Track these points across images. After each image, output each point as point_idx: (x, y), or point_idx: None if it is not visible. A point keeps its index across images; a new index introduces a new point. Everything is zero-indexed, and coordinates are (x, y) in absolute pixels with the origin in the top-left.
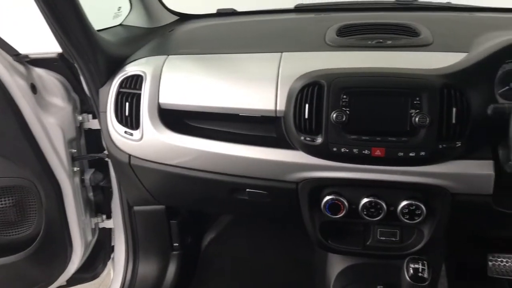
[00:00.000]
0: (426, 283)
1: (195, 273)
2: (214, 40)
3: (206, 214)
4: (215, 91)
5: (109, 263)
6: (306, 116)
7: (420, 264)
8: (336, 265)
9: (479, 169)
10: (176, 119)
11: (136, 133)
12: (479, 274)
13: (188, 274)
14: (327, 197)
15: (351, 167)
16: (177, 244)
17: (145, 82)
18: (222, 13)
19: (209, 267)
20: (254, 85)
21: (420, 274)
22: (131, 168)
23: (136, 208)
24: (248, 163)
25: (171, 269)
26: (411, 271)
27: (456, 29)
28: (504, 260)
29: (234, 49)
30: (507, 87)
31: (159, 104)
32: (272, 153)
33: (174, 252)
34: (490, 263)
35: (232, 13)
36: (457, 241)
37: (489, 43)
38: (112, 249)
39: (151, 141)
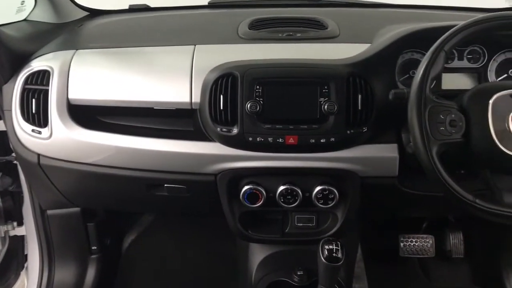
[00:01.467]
0: (340, 262)
1: (117, 275)
2: (126, 34)
3: (125, 215)
4: (127, 85)
5: (23, 273)
6: (221, 107)
7: (334, 245)
8: (257, 254)
9: (385, 152)
10: (87, 115)
11: (45, 131)
12: (392, 255)
13: (109, 277)
14: (245, 187)
15: (267, 156)
16: (95, 247)
17: (52, 78)
18: (135, 9)
19: (131, 268)
20: (168, 78)
21: (334, 255)
22: (41, 169)
23: (49, 212)
24: (164, 157)
25: (90, 274)
26: (326, 252)
27: (361, 22)
28: (414, 240)
29: (146, 42)
30: (407, 75)
31: (68, 100)
32: (189, 146)
33: (93, 256)
34: (401, 244)
35: (144, 8)
36: (371, 224)
37: (389, 34)
38: (25, 258)
39: (61, 139)
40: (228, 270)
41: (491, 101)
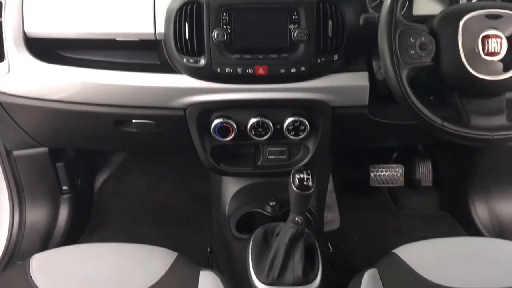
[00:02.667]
0: (311, 191)
1: (90, 215)
2: None
3: (96, 154)
4: (87, 16)
5: None
6: (187, 36)
7: (305, 174)
8: (230, 188)
9: (355, 80)
10: (47, 49)
11: (2, 66)
12: (363, 185)
13: (82, 217)
14: (216, 121)
15: (236, 88)
16: (66, 188)
17: (5, 9)
18: None
19: (104, 207)
20: (130, 7)
21: (305, 183)
22: (2, 107)
23: (16, 153)
24: (130, 91)
25: (63, 214)
26: (297, 181)
27: None
28: (384, 170)
29: None
30: (378, 1)
31: (25, 33)
32: (156, 79)
33: (64, 196)
34: (371, 174)
35: None
36: (342, 156)
37: None
38: None
39: (20, 74)
40: (203, 208)
41: (461, 23)
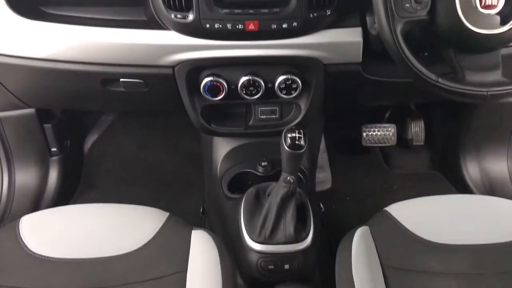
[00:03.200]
0: (303, 150)
1: (81, 176)
2: None
3: (84, 115)
4: None
5: None
6: None
7: (297, 133)
8: (221, 149)
9: (349, 36)
10: (29, 5)
11: None
12: (355, 145)
13: (73, 179)
14: (206, 79)
15: (226, 45)
16: (55, 149)
17: None
18: None
19: (95, 169)
20: None
21: (297, 142)
22: None
23: (1, 114)
24: (117, 48)
25: (53, 175)
26: (289, 140)
27: None
28: (377, 129)
29: None
30: None
31: None
32: (143, 35)
33: (53, 158)
34: (364, 134)
35: None
36: (334, 116)
37: None
38: None
39: (1, 32)
40: (194, 168)
41: None
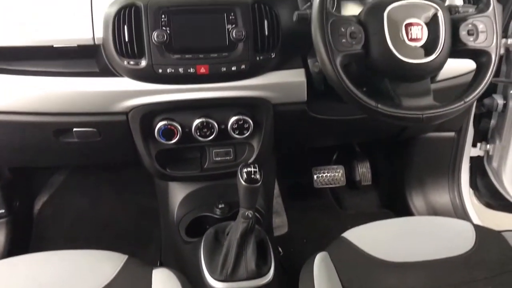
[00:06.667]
0: (259, 183)
1: (31, 239)
2: None
3: (34, 175)
4: (22, 23)
5: None
6: (127, 39)
7: (252, 167)
8: (178, 194)
9: (293, 77)
10: None
11: None
12: (307, 187)
13: (22, 241)
14: (160, 123)
15: (179, 88)
16: (3, 211)
17: None
18: None
19: (46, 229)
20: (67, 15)
21: (253, 176)
22: None
23: None
24: (71, 97)
25: (1, 238)
26: (245, 175)
27: None
28: (326, 171)
29: None
30: (308, 3)
31: None
32: (96, 83)
33: (1, 220)
34: (314, 176)
35: None
36: (285, 160)
37: None
38: None
39: None
40: (149, 221)
41: (385, 13)
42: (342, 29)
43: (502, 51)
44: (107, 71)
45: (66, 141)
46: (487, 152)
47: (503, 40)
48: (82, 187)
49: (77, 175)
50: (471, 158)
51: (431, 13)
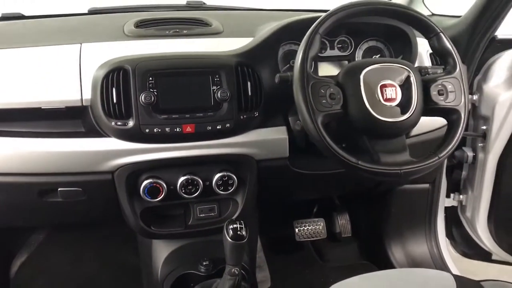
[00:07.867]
0: (245, 240)
1: None
2: (2, 38)
3: (11, 235)
4: (9, 86)
5: None
6: (115, 101)
7: (238, 224)
8: (161, 252)
9: (275, 134)
10: None
11: None
12: (289, 241)
13: None
14: (145, 182)
15: (165, 147)
16: None
17: None
18: (8, 17)
19: None
20: (56, 77)
21: (239, 233)
22: None
23: None
24: (56, 157)
25: None
26: (231, 231)
27: (242, 21)
28: (307, 224)
29: (27, 43)
30: (288, 65)
31: None
32: (82, 143)
33: None
34: (296, 229)
35: (19, 16)
36: (267, 214)
37: (269, 27)
38: None
39: None
40: (130, 280)
41: (361, 76)
42: (322, 91)
43: (469, 107)
44: (93, 131)
45: (50, 201)
46: (460, 202)
47: (469, 97)
48: (62, 245)
49: (57, 233)
50: (446, 208)
51: (404, 75)
